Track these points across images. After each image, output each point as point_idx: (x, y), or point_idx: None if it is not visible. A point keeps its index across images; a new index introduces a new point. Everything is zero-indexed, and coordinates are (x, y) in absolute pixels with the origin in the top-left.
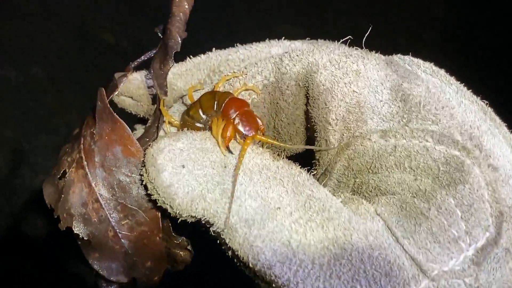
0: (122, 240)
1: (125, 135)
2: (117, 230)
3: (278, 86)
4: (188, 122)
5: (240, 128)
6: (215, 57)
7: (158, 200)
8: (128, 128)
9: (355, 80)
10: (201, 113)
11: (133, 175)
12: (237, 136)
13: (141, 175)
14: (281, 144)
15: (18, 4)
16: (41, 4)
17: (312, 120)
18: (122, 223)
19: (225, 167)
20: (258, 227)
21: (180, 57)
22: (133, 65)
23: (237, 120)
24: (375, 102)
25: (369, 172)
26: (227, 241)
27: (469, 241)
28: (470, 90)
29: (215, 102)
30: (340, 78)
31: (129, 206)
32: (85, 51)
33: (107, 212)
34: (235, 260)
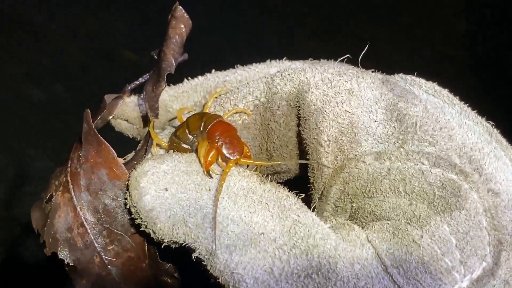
0: (109, 266)
1: (110, 158)
2: (103, 256)
3: (269, 107)
4: (175, 143)
5: (224, 151)
6: (212, 79)
7: (141, 224)
8: (113, 150)
9: (348, 99)
10: (188, 134)
11: (118, 199)
12: (219, 160)
13: (125, 198)
14: (264, 163)
15: (41, 24)
16: (64, 24)
17: (304, 142)
18: (108, 248)
19: (209, 190)
20: (240, 253)
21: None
22: (129, 87)
23: (220, 143)
24: (369, 123)
25: (364, 196)
26: (208, 267)
27: (463, 272)
28: (475, 111)
29: (202, 123)
30: (332, 98)
31: (115, 231)
32: (107, 68)
33: (92, 237)
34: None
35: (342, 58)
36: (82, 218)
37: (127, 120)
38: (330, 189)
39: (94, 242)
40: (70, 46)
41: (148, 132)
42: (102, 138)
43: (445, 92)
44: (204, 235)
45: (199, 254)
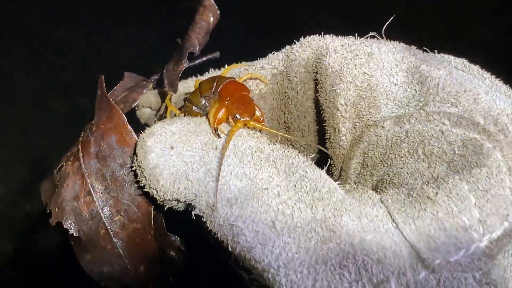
0: (114, 239)
1: (120, 123)
2: (109, 228)
3: (287, 74)
4: (187, 107)
5: (233, 110)
6: (237, 69)
7: (145, 185)
8: (124, 116)
9: (367, 61)
10: (200, 97)
11: (126, 166)
12: (230, 119)
13: (132, 162)
14: (275, 132)
15: (66, 38)
16: (89, 38)
17: (321, 109)
18: (114, 219)
19: (216, 148)
20: (241, 207)
21: None
22: (154, 77)
23: (231, 102)
24: (389, 86)
25: (384, 165)
26: (208, 223)
27: (482, 231)
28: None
29: (214, 84)
30: (350, 60)
31: (122, 200)
32: None
33: (98, 207)
34: (219, 251)
35: (367, 35)
36: (90, 186)
37: (150, 107)
38: (349, 163)
39: (100, 211)
40: (94, 60)
41: (165, 106)
42: (113, 102)
43: (476, 67)
44: (205, 189)
45: (199, 211)
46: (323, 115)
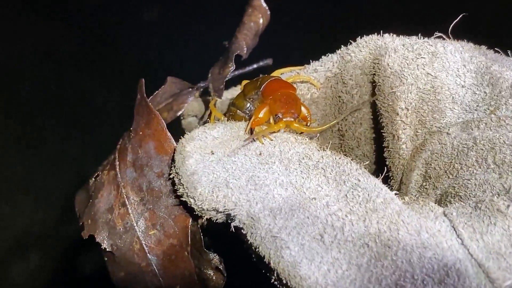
0: (149, 255)
1: (159, 129)
2: (143, 243)
3: (341, 77)
4: (231, 112)
5: (276, 109)
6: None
7: (183, 194)
8: (163, 122)
9: (430, 61)
10: (244, 100)
11: (164, 176)
12: (271, 120)
13: (170, 169)
14: (316, 129)
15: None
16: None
17: (379, 114)
18: (150, 233)
19: (260, 154)
20: (285, 217)
21: None
22: (200, 85)
23: (274, 101)
24: (456, 88)
25: (448, 176)
26: (248, 236)
27: None
28: None
29: (258, 84)
30: (412, 60)
31: (158, 213)
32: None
33: (133, 219)
34: (260, 269)
35: (434, 36)
36: (125, 196)
37: (196, 116)
38: (410, 175)
39: (135, 224)
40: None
41: (209, 112)
42: (152, 107)
43: None
44: (247, 197)
45: (239, 222)
46: (381, 121)
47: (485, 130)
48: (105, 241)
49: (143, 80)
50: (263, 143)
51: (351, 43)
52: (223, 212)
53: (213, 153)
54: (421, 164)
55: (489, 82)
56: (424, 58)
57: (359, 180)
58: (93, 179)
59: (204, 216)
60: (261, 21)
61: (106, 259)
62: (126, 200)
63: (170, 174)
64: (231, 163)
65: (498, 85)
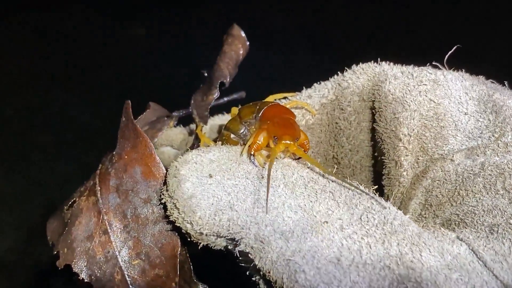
0: (131, 286)
1: (147, 153)
2: (126, 273)
3: (338, 104)
4: (224, 136)
5: (273, 132)
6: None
7: (177, 219)
8: (152, 145)
9: (433, 88)
10: (240, 124)
11: (151, 202)
12: (271, 144)
13: (162, 194)
14: (315, 163)
15: (86, 122)
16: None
17: (380, 140)
18: (133, 263)
19: (262, 177)
20: (298, 241)
21: None
22: (175, 114)
23: (272, 124)
24: (458, 115)
25: (452, 204)
26: (257, 260)
27: None
28: None
29: (256, 109)
30: (414, 87)
31: (143, 241)
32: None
33: (115, 248)
34: None
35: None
36: (107, 223)
37: (172, 146)
38: (409, 204)
39: (117, 254)
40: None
41: (194, 138)
42: (141, 130)
43: None
44: (255, 220)
45: (245, 246)
46: (381, 148)
47: (491, 156)
48: (83, 271)
49: (129, 102)
50: (263, 167)
51: (346, 70)
52: (226, 236)
53: (211, 176)
54: (421, 193)
55: (492, 109)
56: (426, 85)
57: (372, 203)
58: (68, 205)
59: (200, 243)
60: (240, 51)
61: None
62: (108, 228)
63: (161, 199)
64: (233, 186)
65: (502, 113)
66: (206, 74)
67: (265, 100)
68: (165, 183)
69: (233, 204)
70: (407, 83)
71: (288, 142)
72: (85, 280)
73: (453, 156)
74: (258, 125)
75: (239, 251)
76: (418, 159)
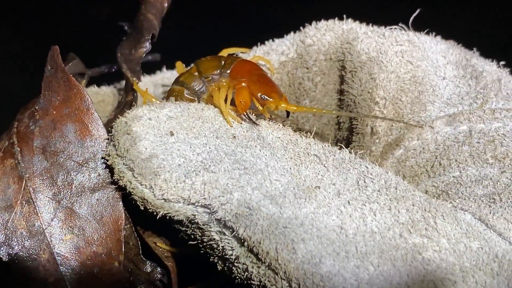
0: (61, 267)
1: (82, 108)
2: (55, 251)
3: (302, 62)
4: (175, 92)
5: (258, 90)
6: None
7: (129, 183)
8: (89, 97)
9: (409, 49)
10: (197, 80)
11: (88, 166)
12: (256, 103)
13: (106, 155)
14: (314, 110)
15: None
16: None
17: (351, 104)
18: (64, 238)
19: (234, 137)
20: (292, 207)
21: None
22: (89, 72)
23: (252, 82)
24: (436, 80)
25: (428, 176)
26: (241, 230)
27: None
28: None
29: (221, 63)
30: (389, 47)
31: (78, 212)
32: None
33: (42, 220)
34: (247, 272)
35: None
36: (31, 191)
37: None
38: None
39: (45, 227)
40: None
41: (125, 96)
42: (74, 80)
43: None
44: (238, 183)
45: (225, 213)
46: (354, 111)
47: (477, 123)
48: (1, 249)
49: (57, 47)
50: (241, 123)
51: (307, 26)
52: (199, 203)
53: (172, 134)
54: (392, 163)
55: (471, 75)
56: (402, 45)
57: (367, 168)
58: None
59: (160, 212)
60: (165, 3)
61: None
62: (33, 196)
63: (107, 160)
64: (202, 145)
65: (482, 79)
66: (126, 27)
67: (225, 55)
68: (109, 142)
69: (207, 165)
70: (381, 43)
71: (277, 100)
72: (3, 260)
73: (432, 123)
74: (228, 81)
75: (216, 219)
76: (392, 125)
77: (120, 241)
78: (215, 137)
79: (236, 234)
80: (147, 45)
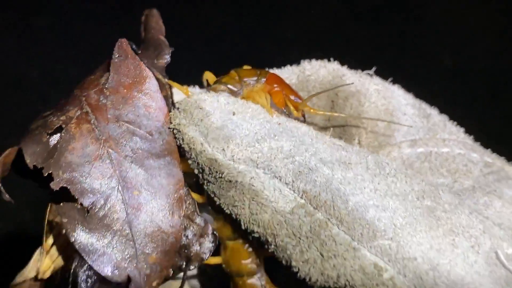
0: (129, 216)
1: (151, 88)
2: (126, 203)
3: (303, 87)
4: (217, 90)
5: (290, 93)
6: None
7: (202, 145)
8: (156, 81)
9: (384, 88)
10: (236, 82)
11: (153, 136)
12: (288, 104)
13: (176, 124)
14: (336, 114)
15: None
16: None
17: (342, 122)
18: (133, 193)
19: (279, 124)
20: (340, 171)
21: None
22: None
23: (283, 87)
24: (400, 115)
25: None
26: (301, 185)
27: None
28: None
29: (258, 72)
30: (369, 84)
31: (145, 172)
32: None
33: (116, 176)
34: (300, 220)
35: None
36: (106, 151)
37: None
38: None
39: (118, 182)
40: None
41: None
42: (146, 68)
43: None
44: (299, 150)
45: (286, 172)
46: (343, 129)
47: (433, 147)
48: (81, 195)
49: (125, 40)
50: (279, 117)
51: (304, 62)
52: (261, 163)
53: (235, 114)
54: None
55: (423, 115)
56: (377, 85)
57: (379, 155)
58: (51, 129)
59: (224, 173)
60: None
61: (65, 220)
62: (108, 156)
63: (177, 130)
64: (259, 125)
65: (431, 119)
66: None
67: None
68: (176, 116)
69: (272, 135)
70: (363, 81)
71: (306, 105)
72: (84, 205)
73: (400, 144)
74: (263, 86)
75: (275, 177)
76: (369, 144)
77: (181, 199)
78: (266, 121)
79: (297, 189)
80: (168, 56)
